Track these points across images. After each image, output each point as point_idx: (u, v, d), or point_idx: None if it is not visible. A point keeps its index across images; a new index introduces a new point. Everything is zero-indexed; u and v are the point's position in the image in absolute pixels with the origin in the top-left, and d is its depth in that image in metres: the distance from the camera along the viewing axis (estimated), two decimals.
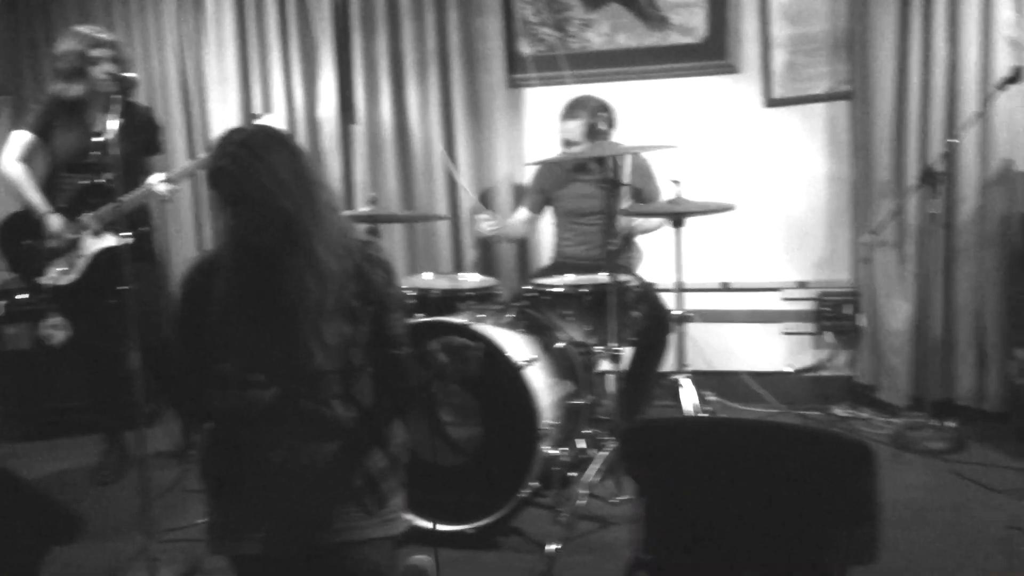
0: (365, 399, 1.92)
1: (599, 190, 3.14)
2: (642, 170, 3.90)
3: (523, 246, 4.49)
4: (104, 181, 3.38)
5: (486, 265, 4.43)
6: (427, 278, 3.71)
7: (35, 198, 3.50)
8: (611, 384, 3.33)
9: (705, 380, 4.23)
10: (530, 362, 2.95)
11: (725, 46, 4.24)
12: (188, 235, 4.80)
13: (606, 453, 3.14)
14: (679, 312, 3.63)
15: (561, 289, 3.33)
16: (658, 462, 1.66)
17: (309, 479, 1.83)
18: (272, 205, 1.76)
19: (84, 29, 3.51)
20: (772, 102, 4.23)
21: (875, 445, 3.63)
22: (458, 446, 3.29)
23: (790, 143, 4.24)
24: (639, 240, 4.22)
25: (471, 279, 3.63)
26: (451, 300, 3.34)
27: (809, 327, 4.32)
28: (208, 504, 1.93)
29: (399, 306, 1.99)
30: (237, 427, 1.87)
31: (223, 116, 4.61)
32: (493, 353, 2.92)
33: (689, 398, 3.55)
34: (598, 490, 3.08)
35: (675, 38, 4.30)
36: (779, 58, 4.20)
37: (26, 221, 3.53)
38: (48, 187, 3.54)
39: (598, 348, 3.27)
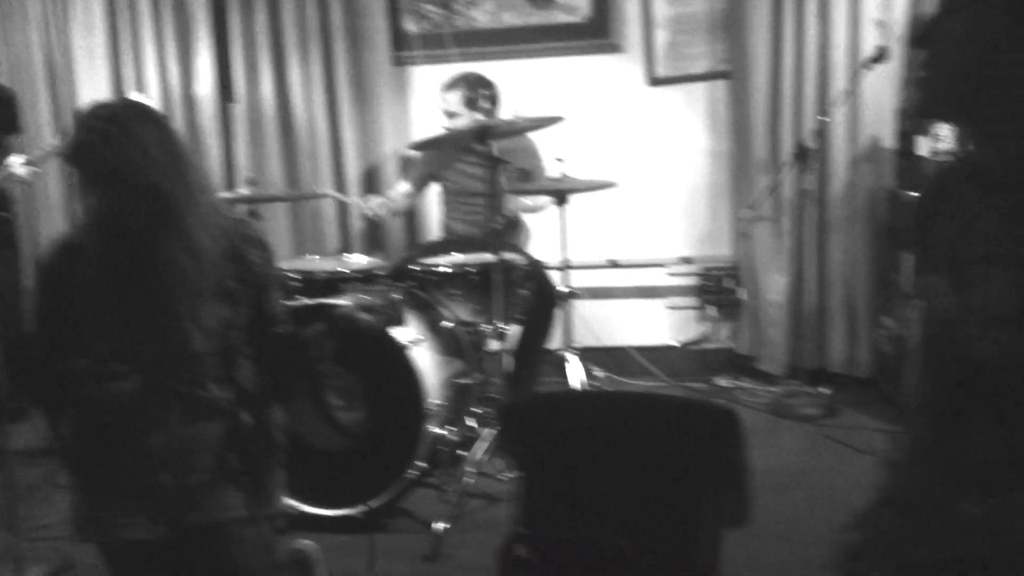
0: (245, 380, 1.88)
1: (483, 169, 3.14)
2: (527, 150, 3.91)
3: (411, 225, 4.45)
4: None
5: (373, 245, 4.38)
6: (312, 260, 3.63)
7: None
8: (499, 362, 3.34)
9: (593, 356, 4.29)
10: (415, 342, 2.93)
11: (608, 25, 4.29)
12: (58, 221, 4.56)
13: (495, 431, 3.15)
14: (566, 289, 3.67)
15: (447, 268, 3.32)
16: (533, 437, 1.67)
17: (186, 461, 1.79)
18: (143, 183, 1.69)
19: None
20: (655, 81, 4.30)
21: (754, 413, 3.86)
22: (344, 429, 3.26)
23: (672, 121, 4.32)
24: (526, 219, 4.24)
25: (357, 260, 3.58)
26: (336, 282, 3.28)
27: (693, 301, 4.43)
28: (75, 493, 1.86)
29: (278, 286, 1.95)
30: (104, 415, 1.80)
31: (92, 94, 4.39)
32: (377, 334, 2.89)
33: (576, 374, 3.59)
34: (486, 468, 3.09)
35: (559, 17, 4.32)
36: (661, 38, 4.26)
37: None
38: None
39: (486, 327, 3.27)
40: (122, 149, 1.68)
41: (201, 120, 4.43)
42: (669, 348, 4.45)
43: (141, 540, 1.77)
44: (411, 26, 4.39)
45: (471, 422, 3.22)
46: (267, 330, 1.90)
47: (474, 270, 3.26)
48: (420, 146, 3.92)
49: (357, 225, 4.44)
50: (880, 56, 3.63)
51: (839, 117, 3.89)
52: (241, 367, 1.87)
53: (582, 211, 4.07)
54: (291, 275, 3.23)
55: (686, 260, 4.41)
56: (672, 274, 4.43)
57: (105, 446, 1.80)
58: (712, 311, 4.42)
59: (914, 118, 1.09)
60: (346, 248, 4.34)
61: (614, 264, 4.46)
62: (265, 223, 3.45)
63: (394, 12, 4.37)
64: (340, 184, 4.42)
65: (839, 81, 3.89)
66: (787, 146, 3.99)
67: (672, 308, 4.46)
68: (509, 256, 3.36)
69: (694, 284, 4.41)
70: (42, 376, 1.89)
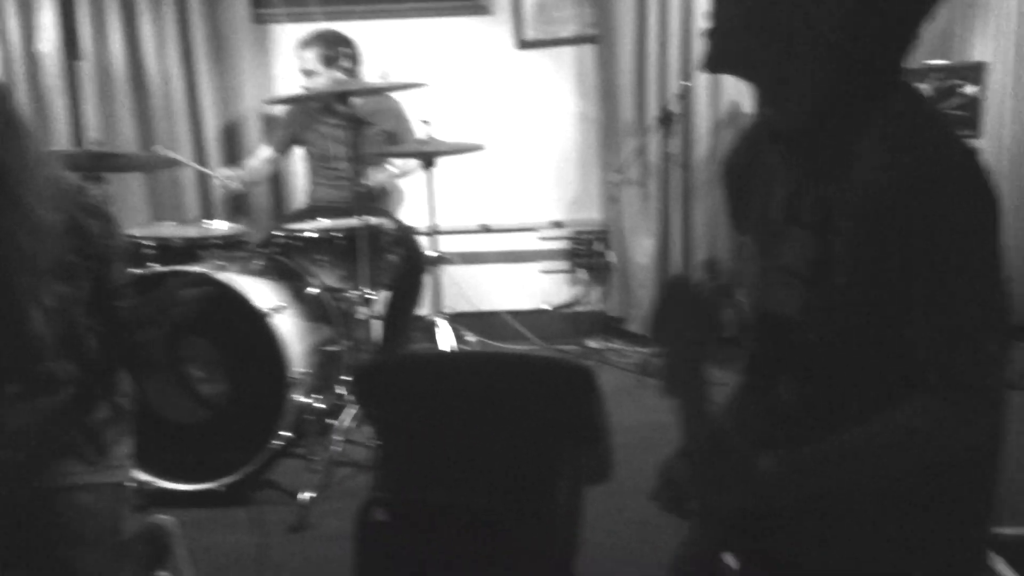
0: (88, 353, 1.79)
1: (346, 132, 3.05)
2: (394, 112, 3.83)
3: (276, 191, 4.31)
4: None
5: (236, 211, 4.22)
6: (168, 227, 3.47)
7: None
8: (368, 329, 3.29)
9: (466, 320, 4.29)
10: (277, 309, 2.84)
11: None
12: None
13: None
14: (436, 254, 3.63)
15: (312, 234, 3.23)
16: (388, 400, 1.64)
17: (25, 435, 1.71)
18: None
19: None
20: (524, 44, 4.28)
21: (623, 373, 3.95)
22: (205, 401, 3.15)
23: (542, 84, 4.32)
24: (400, 184, 4.17)
25: (217, 226, 3.45)
26: (194, 249, 3.15)
27: (564, 265, 4.48)
28: None
29: (120, 257, 1.86)
30: None
31: None
32: (236, 302, 2.79)
33: (446, 339, 3.57)
34: (355, 435, 3.04)
35: None
36: (529, 0, 4.24)
37: None
38: None
39: (353, 293, 3.20)
40: None
41: (44, 79, 4.14)
42: (541, 312, 4.48)
43: None
44: None
45: (340, 390, 3.16)
46: (109, 303, 1.81)
47: (340, 235, 3.18)
48: (277, 102, 3.79)
49: (218, 190, 4.26)
50: None
51: (701, 82, 3.97)
52: (84, 340, 1.79)
53: (451, 175, 4.04)
54: (145, 242, 3.09)
55: (557, 224, 4.44)
56: (543, 238, 4.46)
57: None
58: (583, 274, 4.47)
59: (705, 70, 1.07)
60: (207, 214, 4.16)
61: (485, 229, 4.45)
62: (113, 188, 3.25)
63: None
64: (198, 146, 4.23)
65: (700, 47, 3.96)
66: (653, 110, 4.04)
67: (544, 272, 4.49)
68: (376, 221, 3.30)
69: (565, 248, 4.45)
70: None
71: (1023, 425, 1.04)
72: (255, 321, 2.77)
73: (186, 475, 2.87)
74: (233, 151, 4.24)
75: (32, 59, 4.15)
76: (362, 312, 3.24)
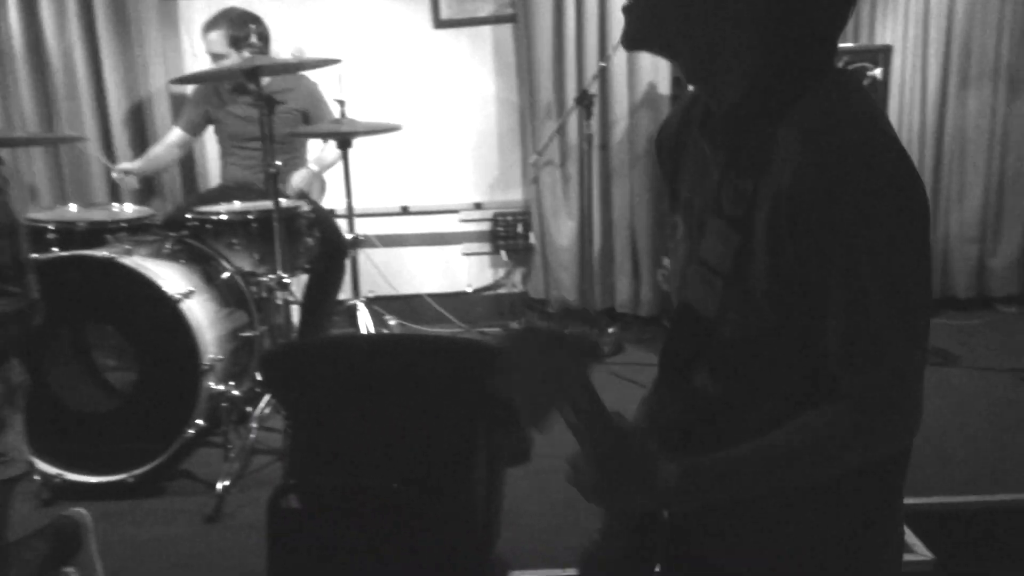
0: None
1: (258, 111, 2.96)
2: (308, 91, 3.75)
3: (187, 172, 4.18)
4: None
5: (146, 193, 4.09)
6: (72, 209, 3.33)
7: None
8: (288, 314, 3.22)
9: (388, 304, 4.24)
10: (188, 294, 2.76)
11: None
12: None
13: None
14: (354, 236, 3.57)
15: (224, 217, 3.14)
16: (299, 385, 1.60)
17: None
18: None
19: None
20: (440, 23, 4.22)
21: None
22: (114, 390, 3.06)
23: (460, 65, 4.28)
24: (324, 176, 4.09)
25: (125, 209, 3.34)
26: (99, 233, 3.03)
27: (486, 247, 4.46)
28: None
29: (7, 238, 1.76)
30: None
31: None
32: (145, 287, 2.70)
33: (366, 323, 3.52)
34: (272, 422, 2.98)
35: None
36: None
37: None
38: None
39: (269, 277, 3.13)
40: None
41: None
42: (463, 294, 4.46)
43: None
44: None
45: (258, 376, 3.09)
46: None
47: (253, 218, 3.10)
48: (186, 81, 3.67)
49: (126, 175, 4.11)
50: None
51: (619, 63, 3.98)
52: None
53: (369, 156, 3.98)
54: (47, 226, 2.97)
55: (478, 206, 4.42)
56: (464, 220, 4.43)
57: None
58: (505, 256, 4.46)
59: (623, 48, 1.03)
60: (115, 197, 4.01)
61: (405, 211, 4.40)
62: (9, 169, 3.11)
63: None
64: (104, 127, 4.08)
65: (618, 26, 3.96)
66: (571, 92, 4.04)
67: (465, 254, 4.47)
68: (291, 203, 3.23)
69: (486, 230, 4.43)
70: None
71: (926, 399, 1.04)
72: (165, 307, 2.68)
73: (95, 467, 2.78)
74: (141, 132, 4.09)
75: None
76: (280, 297, 3.17)
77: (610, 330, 4.11)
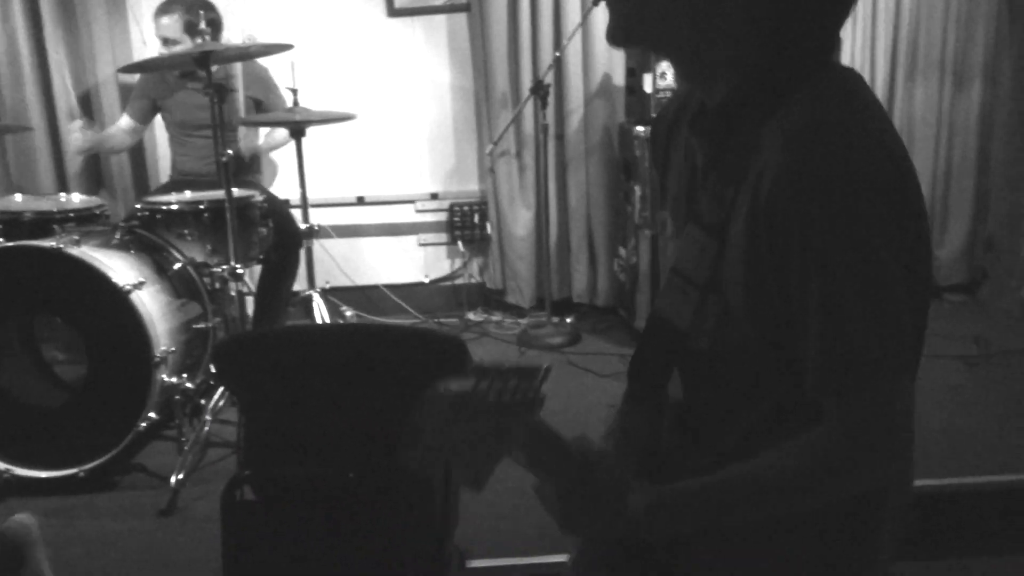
0: None
1: (208, 99, 2.92)
2: (261, 79, 3.70)
3: (138, 162, 4.11)
4: None
5: (95, 183, 4.01)
6: (17, 199, 3.26)
7: None
8: (242, 305, 3.19)
9: (344, 295, 4.23)
10: (139, 285, 2.72)
11: None
12: None
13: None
14: (309, 226, 3.55)
15: (175, 207, 3.09)
16: (250, 376, 1.58)
17: None
18: None
19: None
20: (394, 12, 4.19)
21: (504, 345, 3.97)
22: (64, 384, 3.01)
23: (415, 54, 4.25)
24: (272, 156, 4.05)
25: (73, 199, 3.27)
26: (46, 223, 2.97)
27: (443, 237, 4.45)
28: None
29: None
30: None
31: None
32: (94, 278, 2.65)
33: (322, 314, 3.50)
34: (227, 415, 2.95)
35: None
36: None
37: None
38: None
39: (222, 267, 3.09)
40: None
41: None
42: (420, 284, 4.45)
43: None
44: None
45: (212, 368, 3.06)
46: None
47: (205, 208, 3.06)
48: (134, 68, 3.60)
49: (76, 162, 4.02)
50: None
51: (574, 53, 3.99)
52: None
53: (323, 146, 3.94)
54: None
55: (434, 196, 4.40)
56: (421, 210, 4.42)
57: None
58: (462, 247, 4.45)
59: (608, 42, 0.98)
60: (63, 187, 3.93)
61: (361, 201, 4.37)
62: None
63: None
64: (50, 115, 3.98)
65: (572, 16, 3.98)
66: (526, 81, 4.04)
67: (422, 244, 4.46)
68: (244, 193, 3.19)
69: (443, 220, 4.42)
70: None
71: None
72: (115, 298, 2.64)
73: (45, 462, 2.73)
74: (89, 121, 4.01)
75: None
76: (233, 287, 3.14)
77: (567, 320, 4.14)
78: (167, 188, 3.61)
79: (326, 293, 3.66)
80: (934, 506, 2.45)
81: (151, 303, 2.76)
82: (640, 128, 3.65)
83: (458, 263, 4.49)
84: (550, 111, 3.89)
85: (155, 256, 3.03)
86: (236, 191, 3.03)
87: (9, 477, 2.72)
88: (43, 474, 2.72)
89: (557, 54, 3.89)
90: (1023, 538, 2.44)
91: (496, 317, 4.35)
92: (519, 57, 4.07)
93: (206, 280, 3.13)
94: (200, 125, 3.58)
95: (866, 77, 4.13)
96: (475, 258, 4.48)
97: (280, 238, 3.42)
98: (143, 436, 2.83)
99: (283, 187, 3.94)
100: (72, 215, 3.04)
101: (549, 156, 4.00)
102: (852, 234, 0.87)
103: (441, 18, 4.22)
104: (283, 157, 3.83)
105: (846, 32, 4.06)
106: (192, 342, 3.02)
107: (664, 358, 1.08)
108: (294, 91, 3.30)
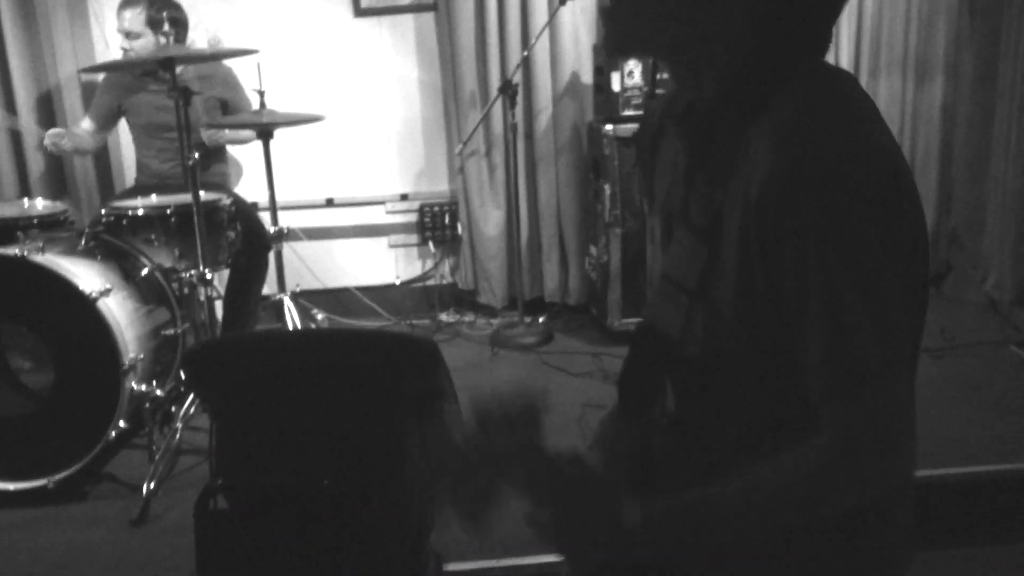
0: None
1: (172, 100, 2.88)
2: (227, 80, 3.66)
3: (103, 166, 4.05)
4: None
5: (58, 188, 3.94)
6: None
7: None
8: (212, 310, 3.15)
9: (315, 298, 4.20)
10: (105, 292, 2.68)
11: None
12: None
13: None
14: (278, 229, 3.52)
15: (141, 212, 3.05)
16: (222, 383, 1.57)
17: None
18: None
19: None
20: (361, 12, 4.17)
21: (477, 346, 3.97)
22: (31, 393, 2.96)
23: (382, 54, 4.23)
24: (234, 154, 4.00)
25: (37, 205, 3.21)
26: (10, 230, 2.92)
27: (413, 238, 4.43)
28: None
29: None
30: None
31: None
32: (59, 285, 2.61)
33: (293, 317, 3.48)
34: (198, 422, 2.92)
35: None
36: None
37: None
38: None
39: (190, 273, 3.06)
40: None
41: None
42: (391, 286, 4.43)
43: None
44: None
45: (182, 374, 3.02)
46: None
47: (171, 212, 3.02)
48: (96, 69, 3.55)
49: (38, 167, 3.96)
50: None
51: (542, 52, 3.99)
52: None
53: (291, 148, 3.91)
54: None
55: (404, 197, 4.39)
56: (391, 212, 4.40)
57: None
58: (433, 248, 4.44)
59: (606, 53, 0.97)
60: (25, 192, 3.87)
61: (331, 203, 4.35)
62: None
63: None
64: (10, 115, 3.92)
65: (540, 16, 3.98)
66: (494, 81, 4.03)
67: (392, 246, 4.44)
68: (211, 196, 3.15)
69: (414, 221, 4.41)
70: None
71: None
72: (82, 306, 2.60)
73: (13, 472, 2.69)
74: (51, 122, 3.95)
75: None
76: (202, 293, 3.10)
77: (540, 319, 4.14)
78: (132, 192, 3.56)
79: (296, 296, 3.63)
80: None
81: (118, 310, 2.72)
82: (609, 127, 3.66)
83: (429, 264, 4.48)
84: (519, 110, 3.88)
85: (122, 262, 2.99)
86: (203, 194, 3.00)
87: None
88: (11, 486, 2.67)
89: (525, 53, 3.88)
90: (988, 530, 2.47)
91: (468, 318, 4.35)
92: (487, 56, 4.06)
93: (174, 285, 3.10)
94: (163, 125, 3.53)
95: None
96: (446, 259, 4.47)
97: (248, 241, 3.39)
98: (113, 445, 2.79)
99: (251, 190, 3.91)
100: (36, 221, 2.99)
101: (519, 155, 4.00)
102: (850, 237, 0.86)
103: (408, 18, 4.21)
104: (251, 159, 3.79)
105: None
106: (161, 349, 2.99)
107: (655, 369, 1.05)
108: (261, 93, 3.27)
